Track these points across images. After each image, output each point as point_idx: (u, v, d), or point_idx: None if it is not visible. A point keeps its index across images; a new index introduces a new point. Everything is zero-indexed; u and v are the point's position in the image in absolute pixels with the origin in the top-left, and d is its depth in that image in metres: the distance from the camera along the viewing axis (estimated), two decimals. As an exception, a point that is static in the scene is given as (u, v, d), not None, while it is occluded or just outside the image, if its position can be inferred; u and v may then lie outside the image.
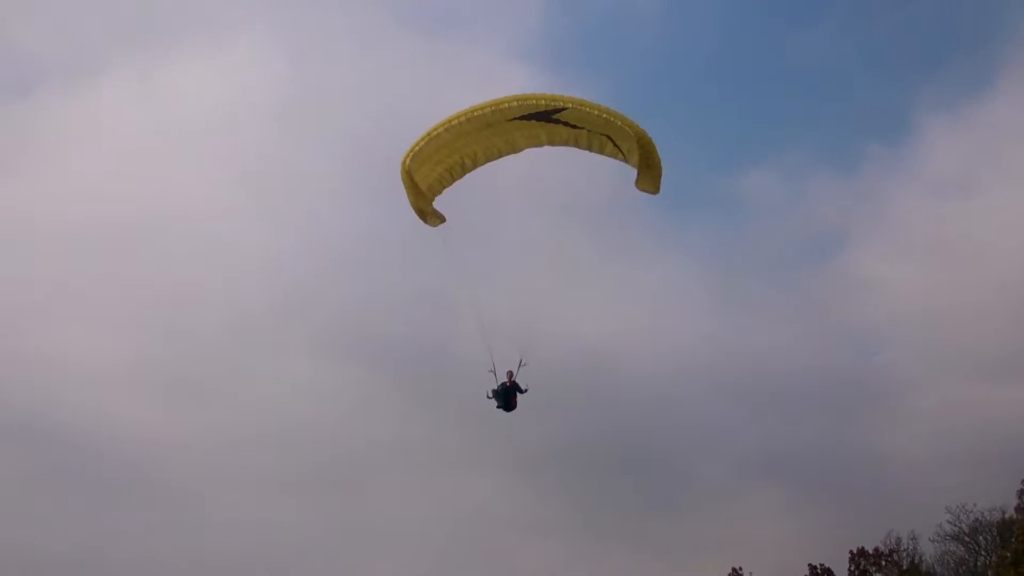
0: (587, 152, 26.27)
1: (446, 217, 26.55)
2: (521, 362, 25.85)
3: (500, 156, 27.26)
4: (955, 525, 67.68)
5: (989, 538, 66.08)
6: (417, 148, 25.94)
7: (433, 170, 26.96)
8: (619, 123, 24.05)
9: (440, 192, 27.18)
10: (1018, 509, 62.89)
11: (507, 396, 25.83)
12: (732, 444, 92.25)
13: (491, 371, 25.74)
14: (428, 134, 25.75)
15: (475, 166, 27.46)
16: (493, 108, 26.09)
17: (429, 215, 26.51)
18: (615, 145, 25.18)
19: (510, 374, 26.05)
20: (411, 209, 26.14)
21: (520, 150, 27.06)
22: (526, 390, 26.03)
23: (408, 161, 25.31)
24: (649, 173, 24.21)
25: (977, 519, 67.04)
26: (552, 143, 26.49)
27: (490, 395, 25.68)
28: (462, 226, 25.68)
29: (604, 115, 24.32)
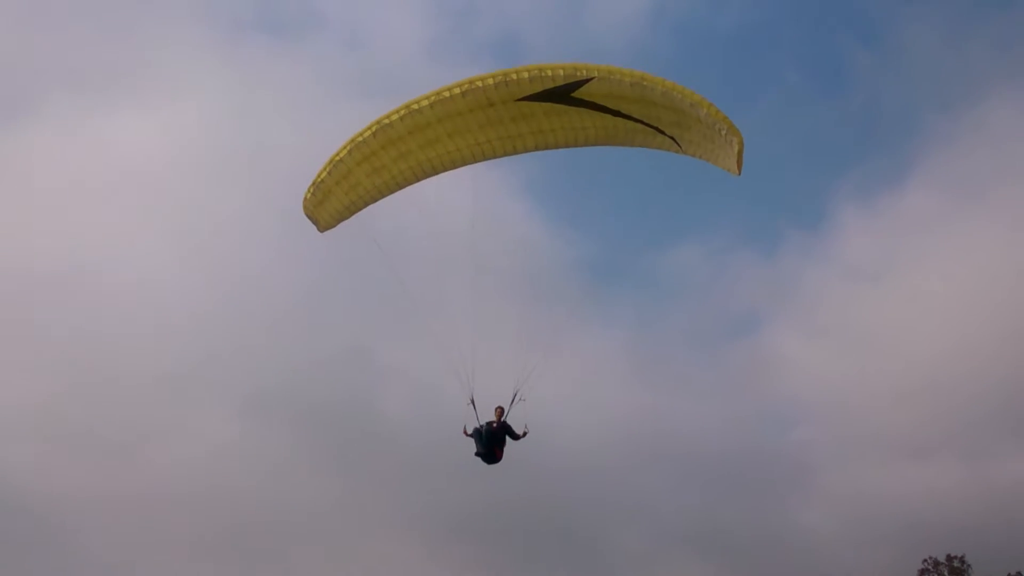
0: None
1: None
2: (515, 397, 19.53)
3: (462, 164, 18.33)
4: None
5: None
6: (319, 179, 20.46)
7: (346, 197, 20.64)
8: (687, 102, 15.72)
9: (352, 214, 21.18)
10: None
11: (492, 442, 19.40)
12: (652, 515, 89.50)
13: (470, 403, 19.51)
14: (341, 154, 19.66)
15: (415, 179, 18.54)
16: (466, 87, 18.18)
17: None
18: (667, 135, 16.62)
19: (500, 412, 19.75)
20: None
21: (499, 155, 17.93)
22: (523, 435, 19.58)
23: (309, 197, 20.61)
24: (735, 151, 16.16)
25: None
26: (567, 142, 17.65)
27: (469, 433, 19.56)
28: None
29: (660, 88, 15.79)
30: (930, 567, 62.89)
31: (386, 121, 18.31)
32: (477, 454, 19.27)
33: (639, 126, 17.08)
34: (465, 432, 19.56)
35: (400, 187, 19.69)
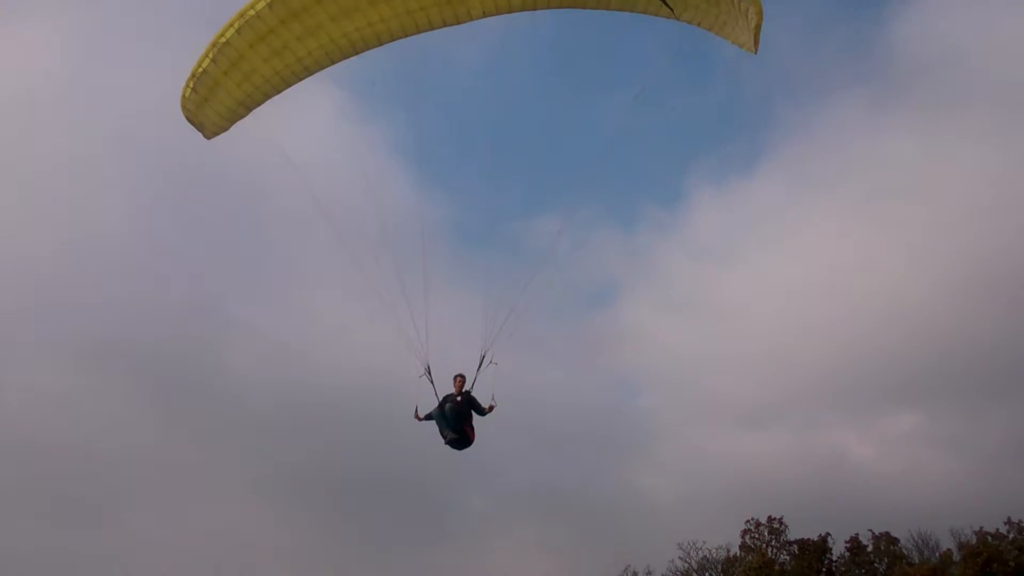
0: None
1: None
2: (484, 359, 16.00)
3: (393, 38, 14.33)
4: (686, 561, 71.07)
5: (715, 574, 69.77)
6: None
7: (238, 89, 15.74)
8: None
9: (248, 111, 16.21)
10: (742, 547, 67.42)
11: (458, 420, 15.75)
12: (500, 478, 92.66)
13: (424, 374, 15.92)
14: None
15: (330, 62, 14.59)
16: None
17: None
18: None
19: (461, 382, 16.14)
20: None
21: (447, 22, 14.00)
22: (490, 410, 16.04)
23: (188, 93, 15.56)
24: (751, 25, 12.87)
25: (705, 556, 70.63)
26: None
27: (424, 416, 16.06)
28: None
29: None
30: (752, 527, 67.23)
31: (285, -14, 13.65)
32: (448, 442, 15.62)
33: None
34: (417, 416, 15.88)
35: (309, 73, 15.16)
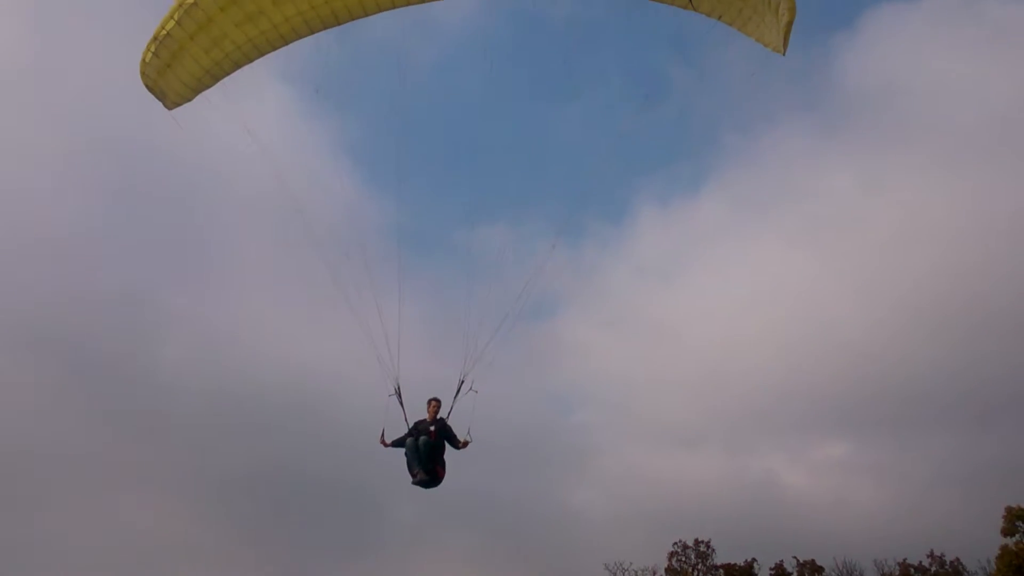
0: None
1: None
2: (461, 387, 14.41)
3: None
4: None
5: None
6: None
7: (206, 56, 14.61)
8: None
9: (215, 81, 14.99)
10: (668, 570, 67.42)
11: (431, 457, 14.14)
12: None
13: (394, 394, 14.23)
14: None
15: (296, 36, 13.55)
16: None
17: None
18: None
19: (435, 407, 14.58)
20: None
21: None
22: (464, 445, 14.37)
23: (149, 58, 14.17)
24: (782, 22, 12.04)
25: None
26: None
27: (391, 443, 14.40)
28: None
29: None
30: (679, 550, 67.07)
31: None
32: (416, 482, 14.00)
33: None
34: (384, 441, 14.28)
35: (285, 42, 13.99)
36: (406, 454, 14.13)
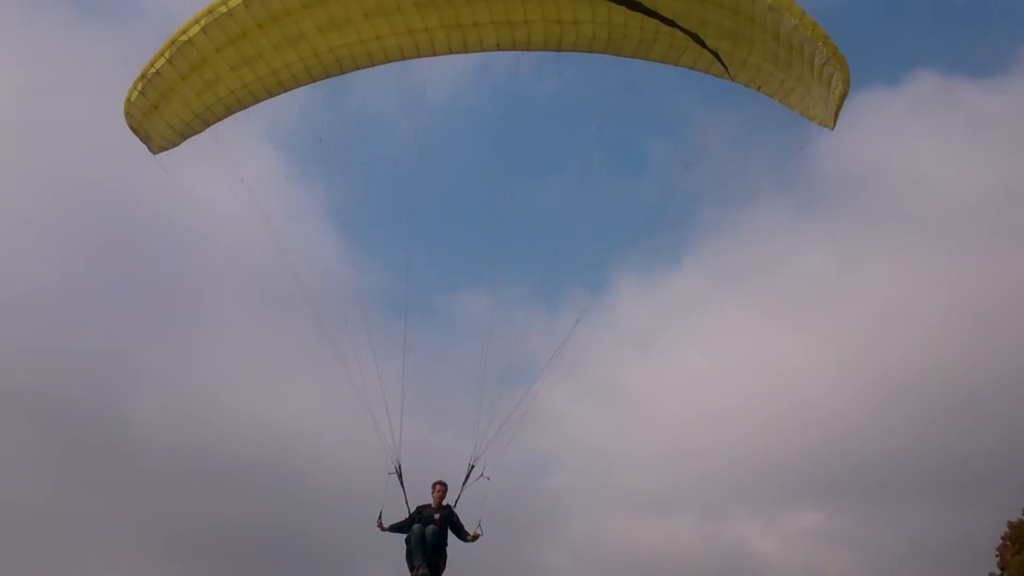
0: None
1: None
2: (471, 473, 13.15)
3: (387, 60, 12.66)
4: None
5: None
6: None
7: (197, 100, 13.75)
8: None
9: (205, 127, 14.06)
10: None
11: (438, 549, 12.83)
12: (400, 546, 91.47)
13: (394, 473, 13.07)
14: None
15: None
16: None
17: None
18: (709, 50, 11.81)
19: (441, 492, 13.26)
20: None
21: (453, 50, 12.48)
22: (474, 539, 13.03)
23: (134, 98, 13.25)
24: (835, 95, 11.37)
25: None
26: (545, 40, 12.29)
27: (389, 527, 13.15)
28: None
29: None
30: None
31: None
32: (413, 567, 12.69)
33: (665, 28, 11.80)
34: (381, 525, 13.05)
35: (283, 89, 13.08)
36: (407, 542, 12.87)
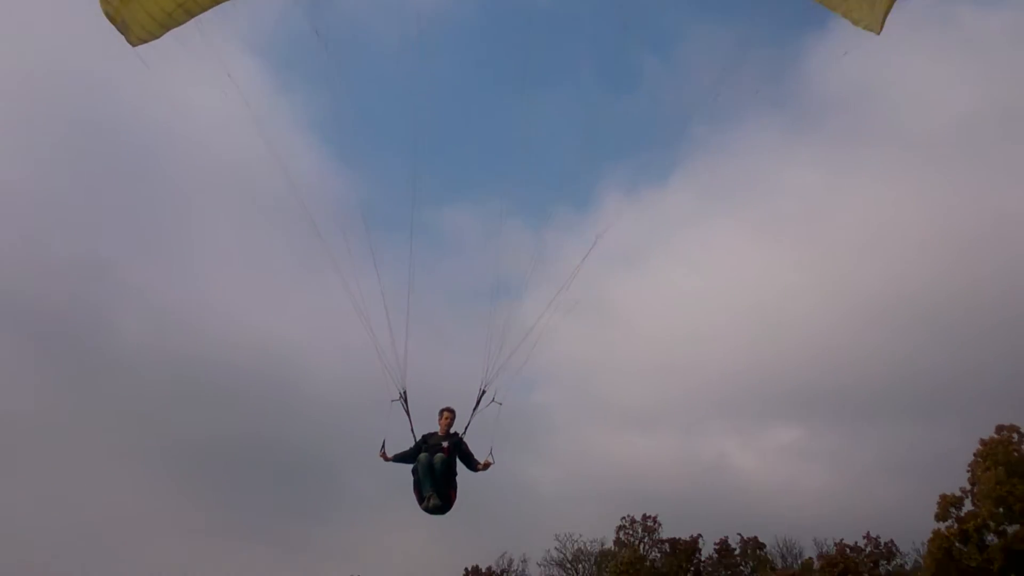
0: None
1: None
2: (482, 397, 12.45)
3: None
4: (561, 552, 72.18)
5: (588, 566, 71.38)
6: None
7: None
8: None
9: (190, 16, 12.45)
10: (616, 543, 69.02)
11: (446, 473, 12.16)
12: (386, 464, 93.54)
13: (399, 399, 12.36)
14: None
15: None
16: None
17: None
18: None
19: (449, 419, 12.63)
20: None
21: None
22: (485, 467, 12.48)
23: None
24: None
25: (580, 548, 72.03)
26: None
27: (392, 457, 12.50)
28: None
29: None
30: (627, 524, 68.55)
31: None
32: (426, 508, 12.00)
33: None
34: (384, 455, 12.36)
35: None
36: (414, 472, 12.22)
